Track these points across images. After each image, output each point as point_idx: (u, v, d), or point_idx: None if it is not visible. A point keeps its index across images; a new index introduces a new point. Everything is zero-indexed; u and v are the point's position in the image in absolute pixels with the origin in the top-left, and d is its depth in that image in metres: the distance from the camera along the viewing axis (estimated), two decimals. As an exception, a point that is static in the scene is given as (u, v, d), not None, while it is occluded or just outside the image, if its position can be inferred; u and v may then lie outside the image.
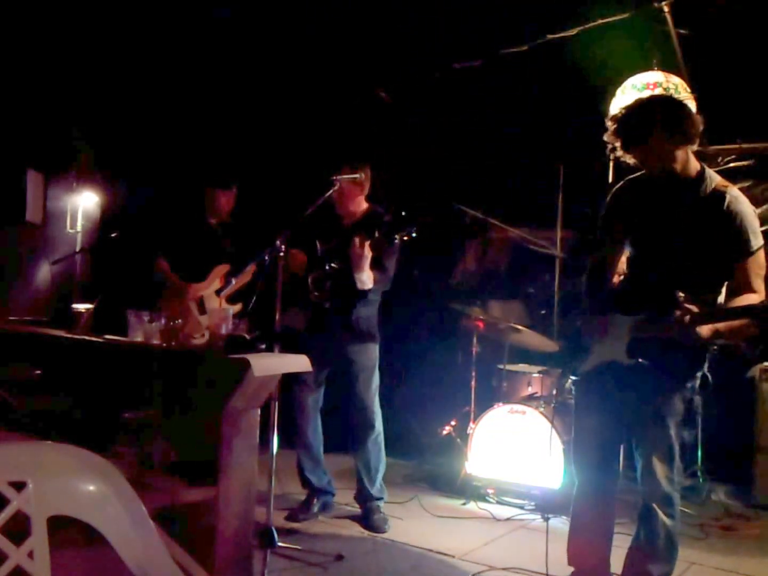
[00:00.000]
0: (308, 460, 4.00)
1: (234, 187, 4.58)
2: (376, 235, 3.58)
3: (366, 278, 3.71)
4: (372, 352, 3.97)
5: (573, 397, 3.03)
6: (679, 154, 2.62)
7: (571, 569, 2.96)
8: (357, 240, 3.59)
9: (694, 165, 2.68)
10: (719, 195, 2.63)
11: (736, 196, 2.63)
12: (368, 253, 3.61)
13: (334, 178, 3.79)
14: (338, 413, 4.05)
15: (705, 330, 2.53)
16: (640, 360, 2.65)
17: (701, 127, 2.63)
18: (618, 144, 2.69)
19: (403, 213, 3.67)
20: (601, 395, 2.83)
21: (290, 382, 3.88)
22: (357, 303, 3.89)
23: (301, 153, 5.71)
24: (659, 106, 2.65)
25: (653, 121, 2.59)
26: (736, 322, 2.56)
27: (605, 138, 2.74)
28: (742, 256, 2.61)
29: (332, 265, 3.78)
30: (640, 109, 2.68)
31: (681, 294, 2.54)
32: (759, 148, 4.82)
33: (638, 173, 2.82)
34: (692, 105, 4.05)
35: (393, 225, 3.72)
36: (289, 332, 3.86)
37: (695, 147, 2.67)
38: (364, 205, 4.01)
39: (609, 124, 2.72)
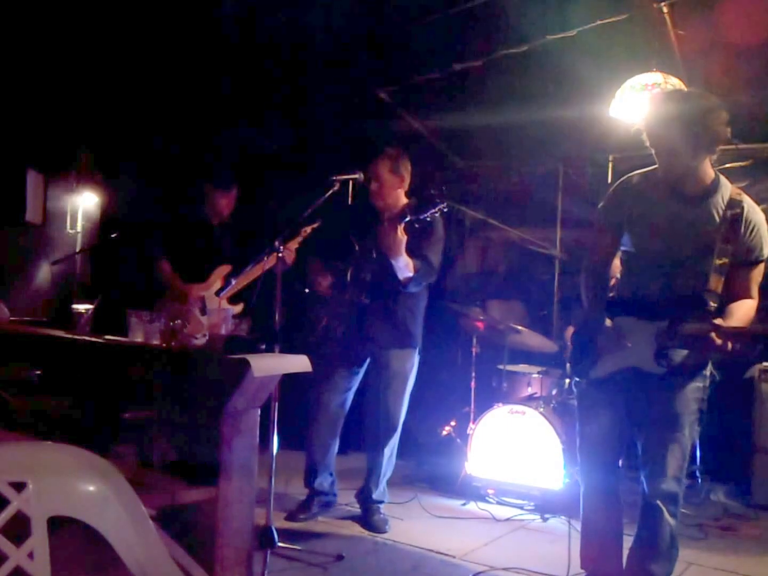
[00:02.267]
0: (318, 462, 3.96)
1: (234, 188, 4.58)
2: (408, 218, 3.47)
3: (403, 264, 3.58)
4: (410, 358, 3.88)
5: (576, 398, 3.00)
6: (697, 160, 2.56)
7: (583, 573, 2.95)
8: (387, 222, 3.51)
9: (709, 172, 2.63)
10: (736, 204, 2.61)
11: (752, 206, 2.63)
12: (402, 236, 3.48)
13: (334, 178, 3.79)
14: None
15: (730, 345, 2.50)
16: (668, 368, 2.62)
17: (725, 137, 2.55)
18: (645, 134, 2.62)
19: (432, 192, 3.54)
20: (611, 398, 2.80)
21: (319, 383, 3.87)
22: (398, 298, 3.79)
23: (302, 152, 5.72)
24: (687, 109, 2.54)
25: (674, 121, 2.52)
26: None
27: (638, 125, 2.68)
28: (750, 264, 2.63)
29: (373, 257, 3.69)
30: (666, 104, 2.60)
31: (713, 303, 2.54)
32: (755, 149, 4.83)
33: (647, 169, 2.74)
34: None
35: (420, 204, 3.59)
36: (329, 334, 3.82)
37: (714, 156, 2.60)
38: (404, 200, 3.89)
39: (644, 110, 2.66)
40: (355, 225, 3.92)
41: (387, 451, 3.90)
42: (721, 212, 2.61)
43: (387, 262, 3.63)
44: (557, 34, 4.25)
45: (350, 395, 3.99)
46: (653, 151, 2.62)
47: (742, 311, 2.61)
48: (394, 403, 3.85)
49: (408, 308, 3.84)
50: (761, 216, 2.64)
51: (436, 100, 5.34)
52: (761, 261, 2.64)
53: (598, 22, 4.09)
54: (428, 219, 3.50)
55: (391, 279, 3.69)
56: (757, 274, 2.65)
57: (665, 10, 3.97)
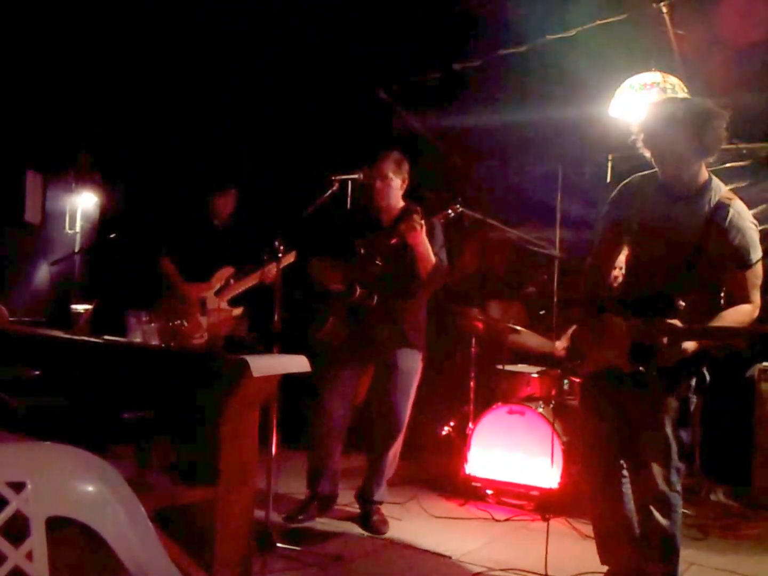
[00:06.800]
0: (323, 467, 3.91)
1: (233, 190, 4.58)
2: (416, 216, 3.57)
3: (429, 250, 3.65)
4: (417, 358, 3.89)
5: (579, 398, 3.03)
6: (698, 163, 2.60)
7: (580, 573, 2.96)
8: (410, 217, 3.58)
9: (703, 173, 2.66)
10: (723, 207, 2.61)
11: (739, 211, 2.63)
12: (423, 224, 3.56)
13: (333, 177, 3.79)
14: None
15: (690, 346, 2.54)
16: (641, 368, 2.62)
17: (722, 143, 2.60)
18: (641, 137, 2.66)
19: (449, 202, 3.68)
20: (601, 397, 2.83)
21: (324, 388, 3.84)
22: (404, 302, 3.82)
23: (301, 152, 5.71)
24: (690, 111, 2.59)
25: (678, 125, 2.55)
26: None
27: (632, 128, 2.68)
28: (740, 268, 2.61)
29: (377, 262, 3.71)
30: (669, 108, 2.64)
31: (682, 303, 2.54)
32: (755, 148, 4.82)
33: (649, 171, 2.77)
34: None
35: (429, 208, 3.74)
36: (328, 346, 3.81)
37: (710, 160, 2.64)
38: (402, 203, 3.95)
39: (642, 114, 2.68)
40: (356, 229, 3.92)
41: (391, 452, 3.89)
42: (706, 213, 2.63)
43: (391, 268, 3.67)
44: (557, 34, 4.25)
45: (353, 401, 3.94)
46: (649, 154, 2.65)
47: (732, 315, 2.58)
48: (401, 402, 3.83)
49: (412, 311, 3.87)
50: (748, 222, 2.63)
51: (436, 100, 5.34)
52: (750, 265, 2.61)
53: (598, 22, 4.09)
54: (434, 220, 3.68)
55: (396, 282, 3.73)
56: (753, 276, 2.61)
57: (664, 10, 3.97)
